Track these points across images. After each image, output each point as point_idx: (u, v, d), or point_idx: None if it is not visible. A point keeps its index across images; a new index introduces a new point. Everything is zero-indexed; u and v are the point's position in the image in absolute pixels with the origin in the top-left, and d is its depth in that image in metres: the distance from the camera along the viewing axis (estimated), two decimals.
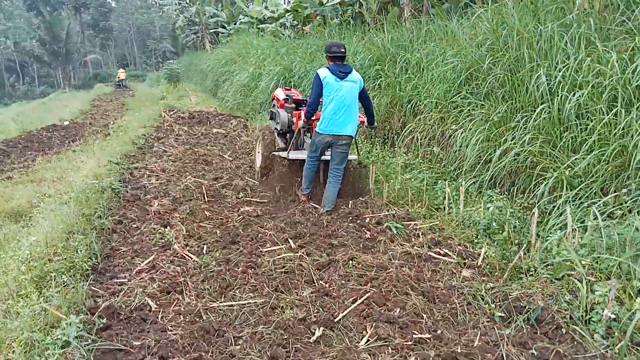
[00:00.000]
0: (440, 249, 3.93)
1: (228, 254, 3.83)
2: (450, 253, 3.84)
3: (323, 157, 5.43)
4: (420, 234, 4.35)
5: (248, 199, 5.51)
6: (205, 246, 3.98)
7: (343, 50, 4.97)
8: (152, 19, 60.06)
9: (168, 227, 4.36)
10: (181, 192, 5.63)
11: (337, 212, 5.03)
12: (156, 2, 58.88)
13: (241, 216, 4.68)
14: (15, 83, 52.08)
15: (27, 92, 47.48)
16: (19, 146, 12.68)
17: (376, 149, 7.56)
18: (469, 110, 6.12)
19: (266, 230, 4.38)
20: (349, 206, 5.29)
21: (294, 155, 5.71)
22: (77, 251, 3.51)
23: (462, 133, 5.66)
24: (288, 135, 6.43)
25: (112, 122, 16.09)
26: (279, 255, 3.78)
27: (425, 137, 6.86)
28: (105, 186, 5.30)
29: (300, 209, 5.06)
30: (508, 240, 3.75)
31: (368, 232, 4.43)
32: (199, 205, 5.13)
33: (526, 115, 5.11)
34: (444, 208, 4.92)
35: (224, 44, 26.02)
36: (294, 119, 6.16)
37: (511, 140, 5.11)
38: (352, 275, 3.47)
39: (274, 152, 6.16)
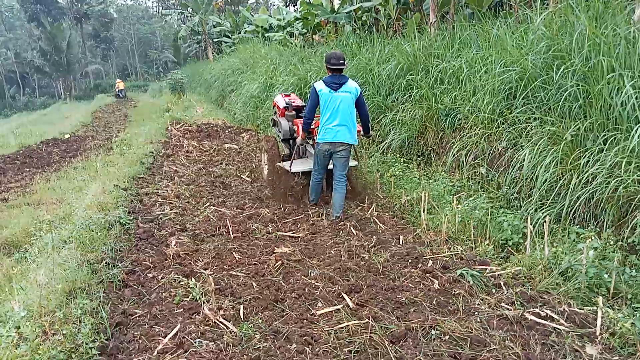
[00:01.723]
0: (540, 309, 3.10)
1: (273, 320, 2.99)
2: (555, 316, 3.01)
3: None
4: (502, 284, 3.53)
5: (280, 233, 4.67)
6: (242, 307, 3.14)
7: (342, 61, 5.16)
8: (154, 29, 59.42)
9: (192, 278, 3.53)
10: (201, 226, 4.80)
11: (390, 251, 4.20)
12: (158, 12, 58.53)
13: (279, 261, 3.83)
14: (16, 94, 51.38)
15: (27, 104, 46.75)
16: (17, 162, 11.88)
17: (412, 170, 6.74)
18: (526, 126, 5.35)
19: (312, 281, 3.55)
20: (401, 242, 4.47)
21: (295, 167, 5.80)
22: (80, 323, 2.69)
23: (529, 154, 4.83)
24: (291, 141, 6.59)
25: (114, 136, 15.34)
26: (339, 322, 2.96)
27: (469, 156, 6.07)
28: (113, 221, 4.49)
29: (346, 248, 4.23)
30: None
31: (436, 281, 3.61)
32: (224, 244, 4.29)
33: (613, 135, 4.30)
34: (522, 248, 4.10)
35: (228, 54, 25.34)
36: (295, 127, 6.31)
37: (593, 166, 4.29)
38: (441, 355, 2.64)
39: (278, 164, 6.17)
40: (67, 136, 15.95)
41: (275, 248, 4.14)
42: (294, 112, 6.44)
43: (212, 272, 3.67)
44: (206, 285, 3.38)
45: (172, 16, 38.46)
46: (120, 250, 4.06)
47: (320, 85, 5.17)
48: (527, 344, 2.74)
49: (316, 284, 3.49)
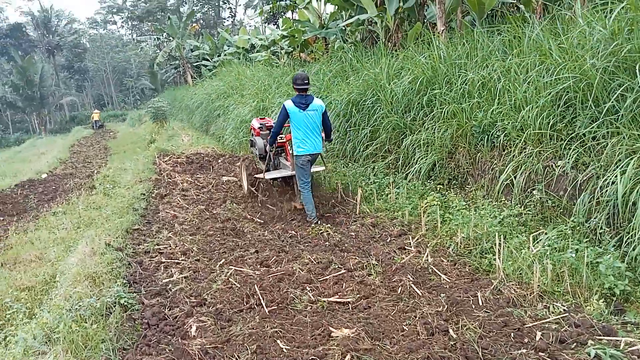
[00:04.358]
0: None
1: None
2: None
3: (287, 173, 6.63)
4: None
5: (325, 300, 3.67)
6: None
7: (307, 82, 5.93)
8: (129, 57, 58.18)
9: None
10: (223, 296, 3.77)
11: (475, 318, 3.23)
12: (133, 39, 57.44)
13: (346, 354, 2.82)
14: None
15: (0, 140, 45.08)
16: None
17: (450, 198, 5.79)
18: (595, 143, 4.52)
19: None
20: (480, 302, 3.51)
21: (269, 175, 6.69)
22: None
23: (619, 176, 3.94)
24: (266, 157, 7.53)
25: (96, 172, 14.21)
26: None
27: (522, 179, 5.19)
28: (111, 302, 3.45)
29: (419, 318, 3.26)
30: None
31: None
32: (261, 326, 3.26)
33: None
34: (635, 299, 3.19)
35: (209, 77, 24.41)
36: None
37: None
38: None
39: (255, 175, 7.26)
40: (44, 176, 14.74)
41: (332, 329, 3.13)
42: (267, 131, 7.21)
43: None
44: None
45: (148, 43, 37.43)
46: (125, 349, 3.02)
47: (289, 104, 5.87)
48: None
49: None
